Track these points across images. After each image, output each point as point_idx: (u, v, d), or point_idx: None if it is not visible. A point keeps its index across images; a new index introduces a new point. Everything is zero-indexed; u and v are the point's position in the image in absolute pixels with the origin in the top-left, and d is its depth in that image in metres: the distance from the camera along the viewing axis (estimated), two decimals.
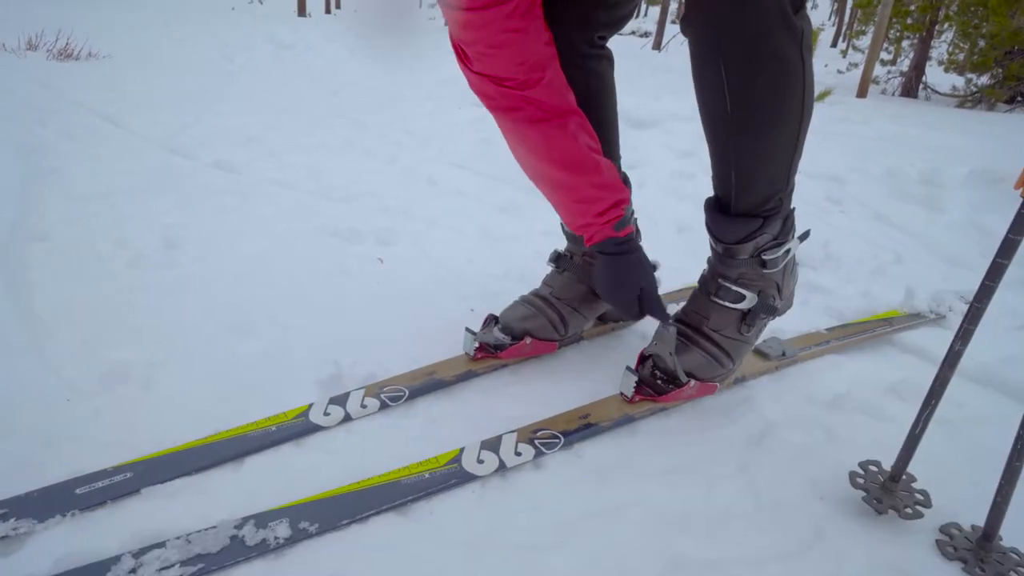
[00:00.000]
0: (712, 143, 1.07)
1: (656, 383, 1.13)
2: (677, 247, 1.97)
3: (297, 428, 1.02)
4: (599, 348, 1.37)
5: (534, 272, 1.68)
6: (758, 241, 1.09)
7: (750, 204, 1.07)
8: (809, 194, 2.41)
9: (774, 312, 1.16)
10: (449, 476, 0.94)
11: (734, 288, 1.12)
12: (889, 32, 8.83)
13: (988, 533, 0.90)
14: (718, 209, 1.12)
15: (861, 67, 8.06)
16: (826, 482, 1.00)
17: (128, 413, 1.02)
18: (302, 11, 11.35)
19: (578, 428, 1.06)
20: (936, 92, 8.62)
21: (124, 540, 0.81)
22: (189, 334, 1.26)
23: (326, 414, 1.05)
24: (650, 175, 2.52)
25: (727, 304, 1.13)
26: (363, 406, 1.08)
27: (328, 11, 14.61)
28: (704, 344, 1.13)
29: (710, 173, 1.12)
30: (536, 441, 1.02)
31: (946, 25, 9.45)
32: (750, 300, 1.12)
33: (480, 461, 0.97)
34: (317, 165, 2.45)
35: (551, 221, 2.03)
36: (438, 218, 2.01)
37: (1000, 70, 7.85)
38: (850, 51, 16.93)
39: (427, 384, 1.15)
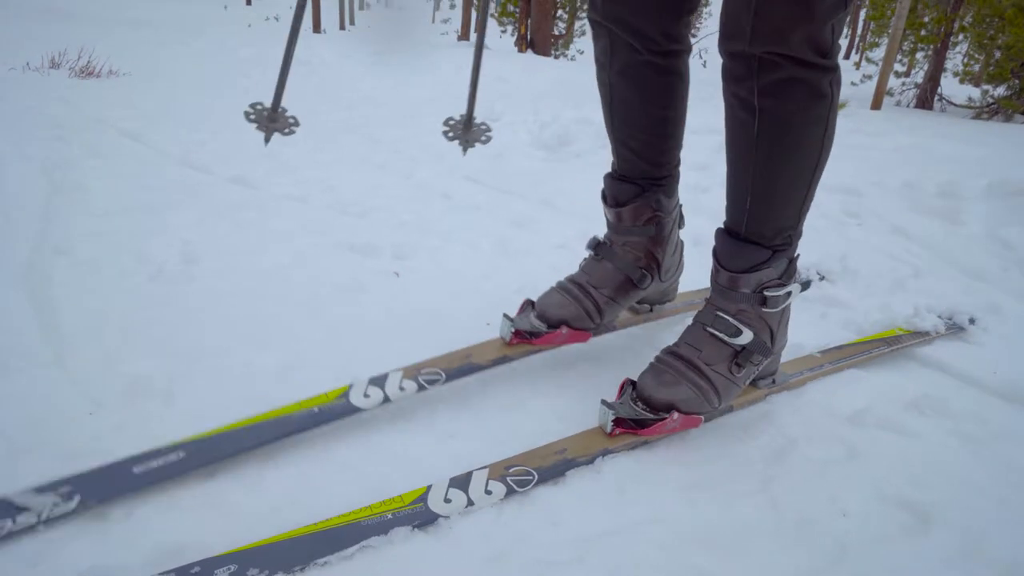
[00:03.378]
0: (732, 166, 1.09)
1: (637, 414, 1.07)
2: (692, 260, 1.96)
3: (337, 409, 1.05)
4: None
5: (548, 284, 1.68)
6: (762, 276, 1.09)
7: (760, 234, 1.09)
8: (826, 207, 2.40)
9: (767, 357, 1.14)
10: (413, 517, 0.89)
11: (732, 321, 1.11)
12: (903, 44, 8.79)
13: None
14: (729, 235, 1.13)
15: (875, 79, 8.03)
16: (849, 498, 0.99)
17: (150, 426, 1.03)
18: (317, 27, 11.52)
19: (553, 464, 1.00)
20: (952, 104, 8.57)
21: (147, 552, 0.81)
22: (208, 347, 1.27)
23: (365, 396, 1.08)
24: None
25: (722, 337, 1.11)
26: (401, 388, 1.11)
27: (342, 27, 14.81)
28: (693, 377, 1.10)
29: (725, 188, 1.13)
30: (508, 479, 0.96)
31: (961, 36, 9.40)
32: (746, 337, 1.10)
33: (448, 500, 0.92)
34: (333, 180, 2.47)
35: (566, 235, 2.04)
36: (453, 232, 2.02)
37: (1017, 81, 7.79)
38: (863, 63, 16.88)
39: (464, 368, 1.18)
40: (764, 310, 1.11)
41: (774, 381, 1.24)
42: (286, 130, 1.29)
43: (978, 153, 3.58)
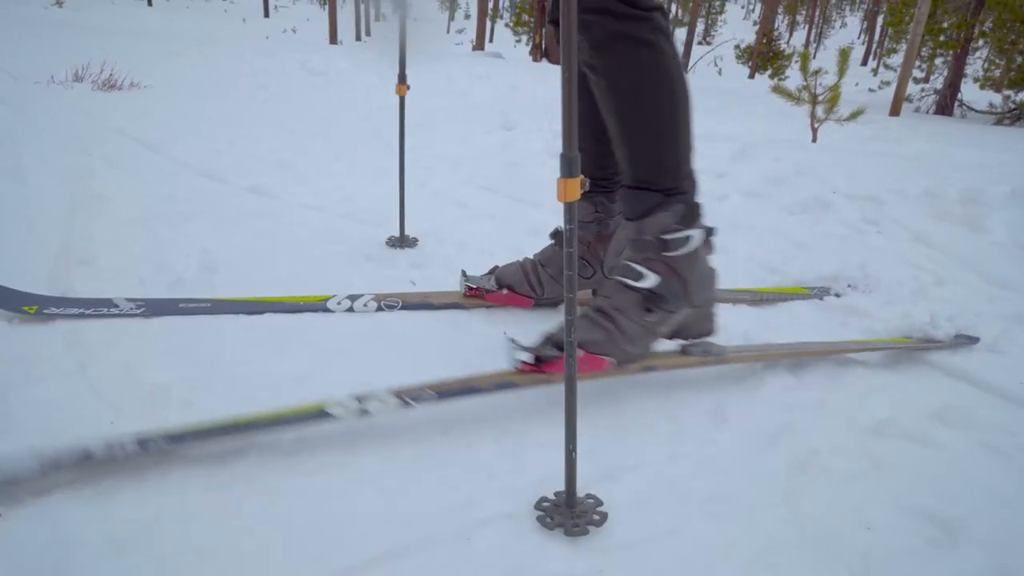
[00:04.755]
0: (606, 123, 1.19)
1: (541, 352, 1.12)
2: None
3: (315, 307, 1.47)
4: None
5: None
6: (660, 220, 1.16)
7: (646, 180, 1.17)
8: (845, 215, 2.37)
9: (680, 304, 1.18)
10: (311, 415, 1.01)
11: (634, 266, 1.17)
12: (922, 49, 8.71)
13: None
14: (625, 188, 1.21)
15: (893, 85, 7.96)
16: (873, 511, 0.97)
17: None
18: (333, 39, 11.64)
19: (452, 389, 1.09)
20: (972, 109, 8.46)
21: None
22: (227, 356, 1.27)
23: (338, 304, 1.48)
24: None
25: (627, 281, 1.17)
26: (365, 306, 1.47)
27: (359, 38, 14.97)
28: (602, 321, 1.16)
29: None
30: (405, 396, 1.05)
31: (981, 41, 9.30)
32: (650, 280, 1.16)
33: (343, 405, 1.03)
34: (349, 189, 2.49)
35: None
36: (469, 241, 2.02)
37: None
38: (881, 69, 16.74)
39: (421, 303, 1.53)
40: (666, 254, 1.16)
41: (707, 351, 1.25)
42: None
43: (1000, 159, 3.53)
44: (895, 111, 7.09)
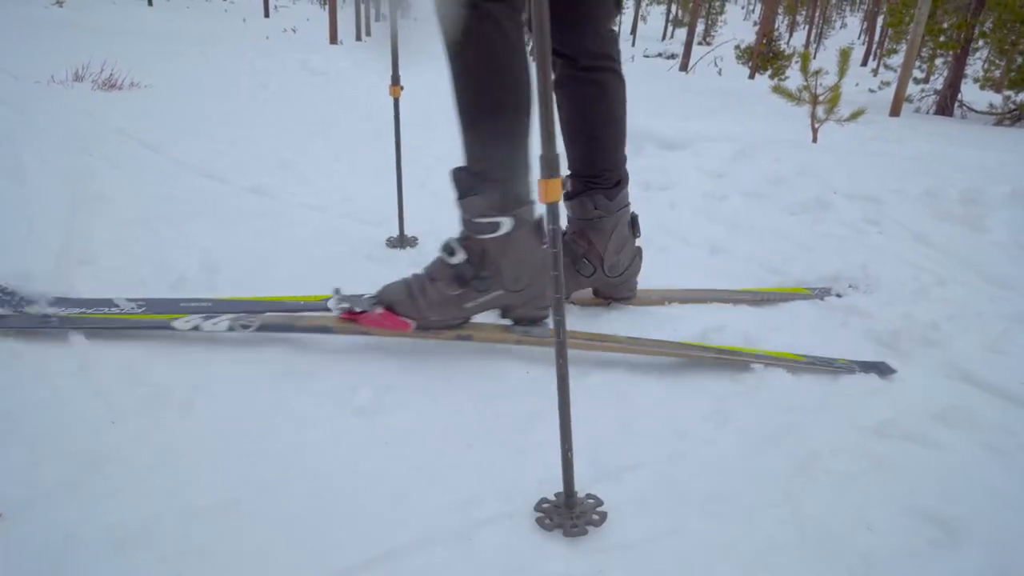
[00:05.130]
0: None
1: (357, 304, 1.25)
2: (710, 268, 1.95)
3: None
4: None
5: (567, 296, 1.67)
6: (474, 203, 1.21)
7: (468, 162, 1.24)
8: (846, 215, 2.37)
9: (489, 285, 1.25)
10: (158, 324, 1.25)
11: (451, 243, 1.25)
12: (922, 50, 8.71)
13: None
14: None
15: (893, 86, 7.96)
16: (875, 511, 0.97)
17: (169, 436, 1.03)
18: (334, 39, 11.63)
19: (275, 323, 1.28)
20: (972, 110, 8.46)
21: None
22: (227, 356, 1.27)
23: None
24: (682, 196, 2.51)
25: (442, 256, 1.26)
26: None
27: (359, 38, 14.97)
28: (413, 286, 1.25)
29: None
30: (238, 321, 1.26)
31: (981, 42, 9.30)
32: (458, 258, 1.23)
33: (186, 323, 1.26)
34: (349, 189, 2.49)
35: None
36: None
37: None
38: (881, 69, 16.75)
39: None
40: (478, 236, 1.23)
41: (527, 333, 1.30)
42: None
43: (1001, 159, 3.53)
44: (895, 111, 7.09)
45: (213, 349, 1.29)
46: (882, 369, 1.38)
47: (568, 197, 1.48)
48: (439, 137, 3.52)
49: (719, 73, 15.89)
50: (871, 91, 10.63)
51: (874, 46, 31.30)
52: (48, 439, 1.00)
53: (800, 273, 1.90)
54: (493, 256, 1.24)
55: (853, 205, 2.46)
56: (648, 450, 1.09)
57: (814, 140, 4.25)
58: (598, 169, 1.47)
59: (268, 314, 1.31)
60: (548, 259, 0.94)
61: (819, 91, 4.31)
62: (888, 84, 10.29)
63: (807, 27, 38.89)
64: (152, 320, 1.30)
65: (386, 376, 1.24)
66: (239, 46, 7.77)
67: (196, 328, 1.26)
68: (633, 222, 1.55)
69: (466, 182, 1.23)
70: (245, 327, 1.26)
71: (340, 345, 1.34)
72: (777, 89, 4.61)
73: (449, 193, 2.47)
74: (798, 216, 2.40)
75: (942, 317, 1.62)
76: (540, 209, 1.26)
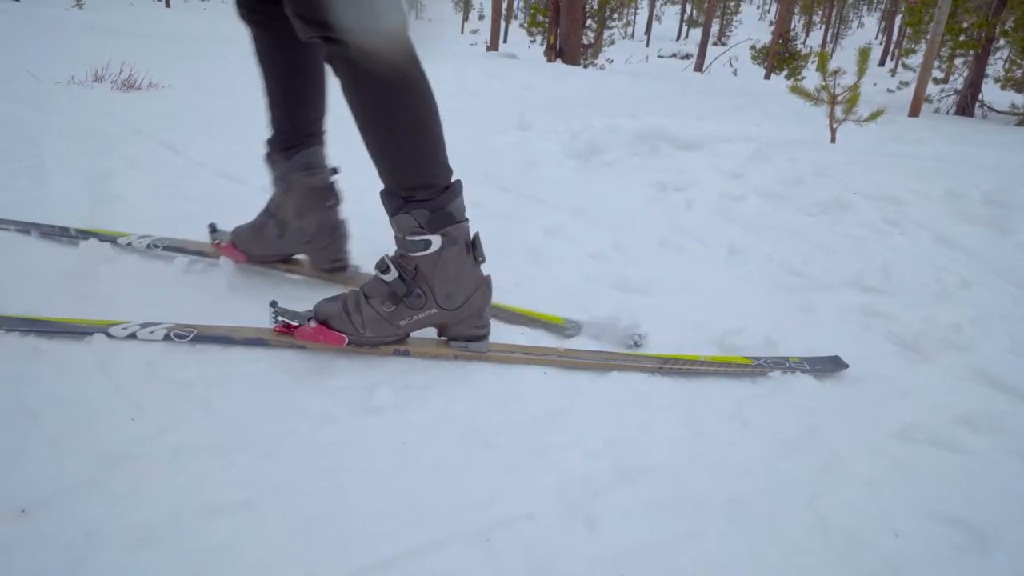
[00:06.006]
0: None
1: (292, 318, 1.26)
2: (728, 269, 1.93)
3: None
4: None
5: (581, 294, 1.66)
6: (404, 221, 1.22)
7: (389, 184, 1.25)
8: (865, 216, 2.34)
9: (421, 303, 1.25)
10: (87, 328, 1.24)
11: (386, 260, 1.26)
12: (941, 49, 8.60)
13: None
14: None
15: (912, 86, 7.86)
16: (900, 517, 0.95)
17: (187, 433, 1.04)
18: None
19: (212, 335, 1.27)
20: (993, 110, 8.34)
21: None
22: (244, 353, 1.27)
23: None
24: (698, 197, 2.49)
25: (377, 272, 1.26)
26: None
27: None
28: (348, 302, 1.26)
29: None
30: (172, 332, 1.25)
31: (1003, 41, 9.16)
32: (391, 275, 1.24)
33: (124, 330, 1.24)
34: (362, 188, 2.47)
35: (598, 244, 2.02)
36: (485, 241, 2.01)
37: None
38: (899, 69, 16.57)
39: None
40: (409, 254, 1.24)
41: (467, 348, 1.30)
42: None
43: None
44: (915, 112, 7.00)
45: (229, 347, 1.29)
46: (836, 364, 1.35)
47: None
48: (455, 137, 3.52)
49: (734, 73, 15.80)
50: (889, 91, 10.51)
51: (892, 46, 30.98)
52: (70, 435, 1.00)
53: (820, 274, 1.88)
54: (425, 274, 1.25)
55: (873, 206, 2.43)
56: (667, 452, 1.08)
57: (832, 140, 4.21)
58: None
59: (205, 324, 1.30)
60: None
61: (837, 91, 4.26)
62: (907, 84, 10.17)
63: (823, 27, 38.55)
64: (88, 325, 1.26)
65: (403, 375, 1.24)
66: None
67: (132, 336, 1.26)
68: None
69: (391, 202, 1.25)
70: (181, 337, 1.26)
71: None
72: (795, 89, 4.56)
73: (465, 192, 2.47)
74: (817, 217, 2.37)
75: (965, 320, 1.59)
76: (474, 228, 1.29)
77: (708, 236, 2.16)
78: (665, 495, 0.98)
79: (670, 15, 50.25)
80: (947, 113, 8.53)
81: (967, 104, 8.52)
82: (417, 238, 1.23)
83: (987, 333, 1.54)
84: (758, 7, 61.20)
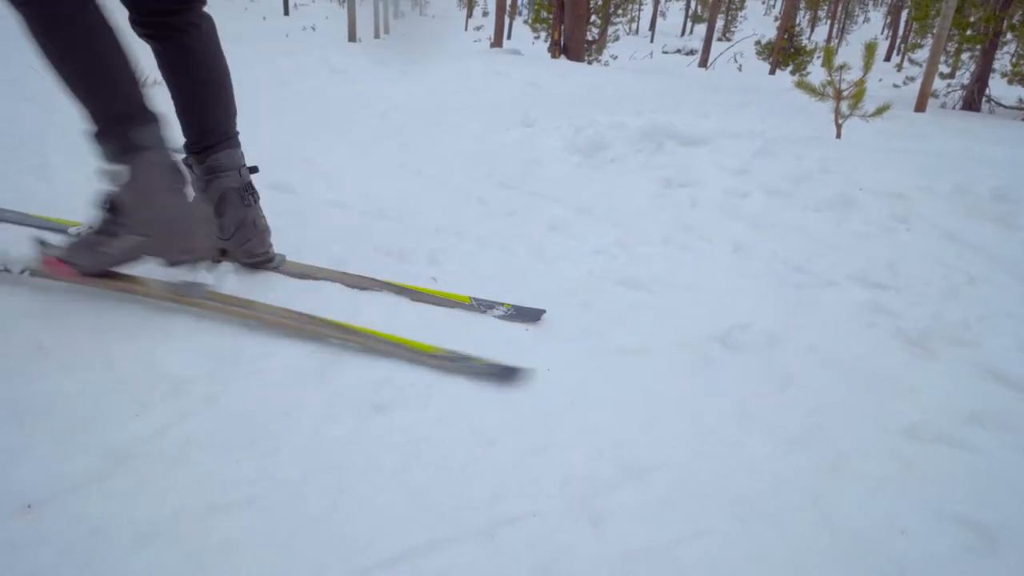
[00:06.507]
0: None
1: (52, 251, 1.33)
2: (733, 266, 1.93)
3: None
4: None
5: (585, 290, 1.66)
6: (99, 151, 1.32)
7: (87, 120, 1.34)
8: (872, 212, 2.33)
9: (118, 232, 1.31)
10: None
11: (99, 194, 1.33)
12: (948, 44, 8.54)
13: None
14: None
15: (918, 81, 7.81)
16: (907, 516, 0.95)
17: (192, 430, 1.04)
18: (352, 36, 11.67)
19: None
20: (1001, 105, 8.29)
21: None
22: (250, 350, 1.27)
23: None
24: (703, 193, 2.48)
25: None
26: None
27: (377, 36, 15.01)
28: (83, 235, 1.34)
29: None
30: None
31: (1010, 36, 9.10)
32: (102, 205, 1.32)
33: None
34: (369, 186, 2.49)
35: (602, 240, 2.02)
36: (489, 238, 2.01)
37: None
38: (906, 64, 16.47)
39: None
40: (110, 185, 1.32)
41: (189, 292, 1.37)
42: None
43: None
44: (921, 107, 6.96)
45: (235, 344, 1.29)
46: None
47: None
48: (459, 133, 3.52)
49: (739, 69, 15.74)
50: (895, 86, 10.45)
51: (898, 41, 30.80)
52: (75, 432, 1.01)
53: (825, 271, 1.87)
54: (123, 202, 1.32)
55: (880, 202, 2.41)
56: (672, 450, 1.07)
57: (838, 136, 4.18)
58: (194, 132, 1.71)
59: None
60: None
61: (843, 86, 4.23)
62: (913, 79, 10.09)
63: (829, 22, 38.36)
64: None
65: (407, 372, 1.24)
66: (260, 44, 7.82)
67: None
68: (245, 189, 1.66)
69: (92, 136, 1.34)
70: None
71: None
72: (800, 84, 4.53)
73: (469, 189, 2.46)
74: (823, 213, 2.36)
75: (973, 317, 1.58)
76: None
77: (713, 233, 2.15)
78: (670, 494, 0.98)
79: (675, 11, 50.06)
80: (954, 108, 8.48)
81: (974, 99, 8.47)
82: (110, 167, 1.32)
83: (994, 330, 1.53)
84: (763, 2, 60.92)
